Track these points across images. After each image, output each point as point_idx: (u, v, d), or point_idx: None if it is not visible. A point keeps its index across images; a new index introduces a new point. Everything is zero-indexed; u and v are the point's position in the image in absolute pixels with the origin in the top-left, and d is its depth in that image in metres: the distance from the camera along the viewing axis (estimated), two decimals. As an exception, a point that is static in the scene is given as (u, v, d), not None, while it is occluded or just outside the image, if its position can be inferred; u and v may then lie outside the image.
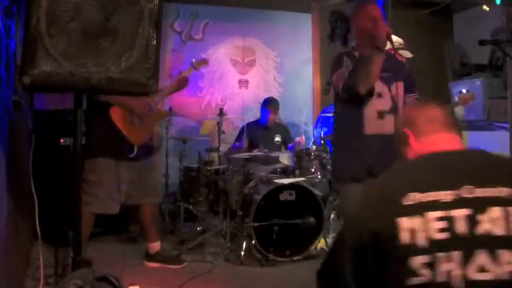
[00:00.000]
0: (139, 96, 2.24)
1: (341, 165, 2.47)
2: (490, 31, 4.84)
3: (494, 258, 0.97)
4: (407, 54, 3.32)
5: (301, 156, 4.09)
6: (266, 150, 4.10)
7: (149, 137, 3.24)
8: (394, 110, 2.35)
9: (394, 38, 2.42)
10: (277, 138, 4.64)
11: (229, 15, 5.40)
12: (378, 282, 1.04)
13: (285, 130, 4.84)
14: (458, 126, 1.27)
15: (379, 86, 2.34)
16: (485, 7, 4.94)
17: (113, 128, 3.02)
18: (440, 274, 0.97)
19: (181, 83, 3.47)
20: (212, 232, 3.92)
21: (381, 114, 2.33)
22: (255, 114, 5.18)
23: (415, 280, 0.98)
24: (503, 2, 4.78)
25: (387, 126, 2.31)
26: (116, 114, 3.05)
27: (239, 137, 4.66)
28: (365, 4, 2.50)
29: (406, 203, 1.03)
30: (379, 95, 2.34)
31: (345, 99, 2.38)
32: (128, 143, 3.07)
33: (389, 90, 2.38)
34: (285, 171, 4.10)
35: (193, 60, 3.62)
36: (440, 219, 1.00)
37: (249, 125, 4.76)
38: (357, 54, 2.42)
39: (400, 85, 2.43)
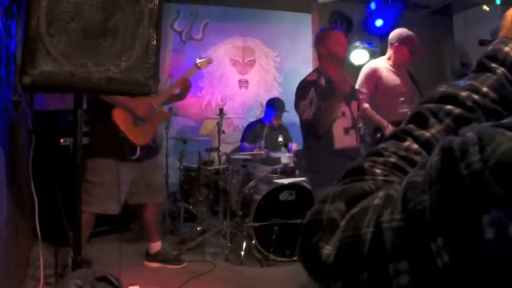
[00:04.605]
0: (139, 96, 2.24)
1: (319, 172, 2.75)
2: (490, 31, 4.83)
3: None
4: (420, 51, 3.40)
5: (301, 156, 4.09)
6: (266, 150, 4.10)
7: (152, 138, 3.23)
8: (354, 126, 2.79)
9: None
10: (280, 139, 4.62)
11: (229, 15, 5.40)
12: None
13: (286, 131, 4.84)
14: None
15: (343, 106, 2.74)
16: (485, 7, 4.94)
17: (115, 128, 3.02)
18: None
19: (183, 86, 3.45)
20: (212, 232, 3.92)
21: (346, 130, 2.75)
22: (255, 114, 5.18)
23: None
24: (503, 2, 4.78)
25: (352, 140, 2.76)
26: (118, 115, 3.04)
27: (244, 137, 4.67)
28: (334, 31, 2.96)
29: None
30: (343, 114, 2.74)
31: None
32: (130, 144, 3.07)
33: (350, 108, 2.79)
34: (285, 171, 4.10)
35: (197, 59, 3.58)
36: None
37: (252, 124, 4.75)
38: (322, 82, 2.74)
39: (355, 104, 2.88)
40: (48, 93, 3.77)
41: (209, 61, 3.65)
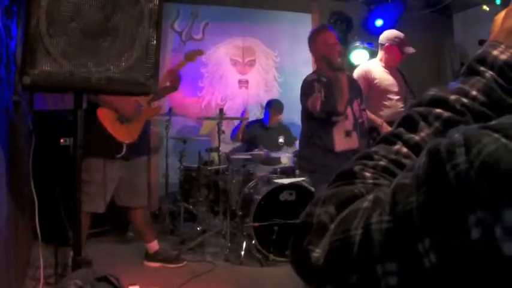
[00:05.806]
0: (139, 96, 2.24)
1: (318, 171, 2.76)
2: (489, 31, 4.83)
3: None
4: (410, 49, 3.37)
5: (300, 157, 4.09)
6: (266, 150, 4.10)
7: (139, 136, 3.20)
8: (356, 127, 2.79)
9: None
10: (281, 140, 4.60)
11: (229, 15, 5.39)
12: None
13: (286, 130, 4.83)
14: None
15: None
16: (485, 7, 4.94)
17: (101, 127, 3.02)
18: None
19: (171, 78, 3.43)
20: (212, 232, 3.92)
21: (347, 133, 2.75)
22: (255, 115, 5.18)
23: None
24: (503, 2, 4.78)
25: (353, 142, 2.76)
26: (103, 114, 3.05)
27: (243, 137, 4.68)
28: (322, 31, 2.89)
29: None
30: (346, 117, 2.74)
31: (319, 119, 2.71)
32: (116, 142, 3.07)
33: (352, 109, 2.78)
34: (285, 171, 4.09)
35: (187, 52, 3.54)
36: None
37: (250, 123, 4.75)
38: (324, 78, 2.74)
39: (357, 101, 2.85)
40: (48, 93, 3.77)
41: (199, 53, 3.58)
